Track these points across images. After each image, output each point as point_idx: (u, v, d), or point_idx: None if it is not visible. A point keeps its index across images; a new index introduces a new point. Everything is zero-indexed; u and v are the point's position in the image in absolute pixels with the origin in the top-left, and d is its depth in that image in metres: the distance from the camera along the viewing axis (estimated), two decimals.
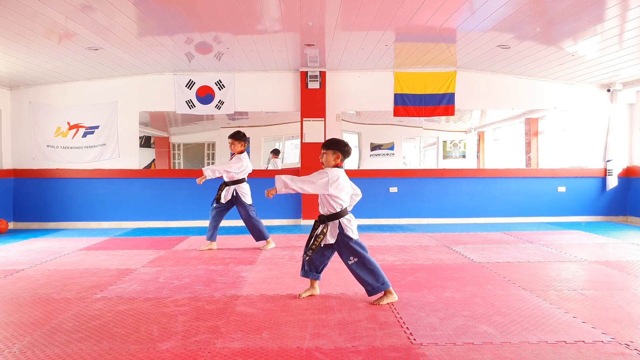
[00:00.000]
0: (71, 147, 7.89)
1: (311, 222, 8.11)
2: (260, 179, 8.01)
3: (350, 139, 8.58)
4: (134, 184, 7.92)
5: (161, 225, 7.94)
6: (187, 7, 4.80)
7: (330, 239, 3.46)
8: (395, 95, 8.02)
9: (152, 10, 4.86)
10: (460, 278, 4.18)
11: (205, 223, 7.96)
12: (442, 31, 5.69)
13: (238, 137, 5.51)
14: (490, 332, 2.86)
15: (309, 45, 6.36)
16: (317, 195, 3.46)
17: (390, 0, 4.67)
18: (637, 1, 4.43)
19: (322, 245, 3.53)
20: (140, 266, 4.79)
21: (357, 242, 3.47)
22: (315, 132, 7.86)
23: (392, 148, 8.46)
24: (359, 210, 7.85)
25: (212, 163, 8.46)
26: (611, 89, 8.05)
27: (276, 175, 3.50)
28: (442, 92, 7.99)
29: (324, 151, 3.50)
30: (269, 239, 5.76)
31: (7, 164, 7.82)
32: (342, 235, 3.44)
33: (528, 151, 8.65)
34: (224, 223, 8.00)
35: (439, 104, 8.01)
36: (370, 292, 3.43)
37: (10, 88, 7.86)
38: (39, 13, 4.62)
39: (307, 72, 7.84)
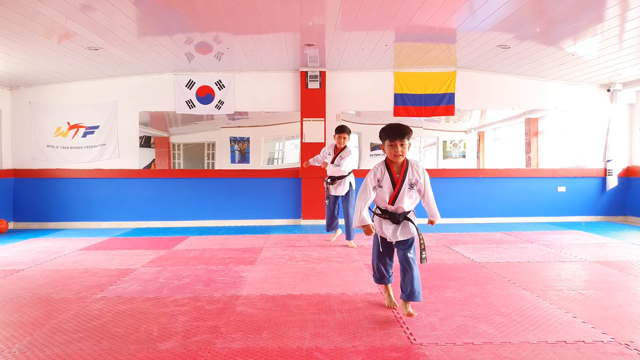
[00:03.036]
0: (71, 147, 7.89)
1: (311, 222, 8.15)
2: (260, 179, 8.04)
3: (350, 139, 8.57)
4: (134, 184, 7.92)
5: (161, 225, 7.94)
6: (187, 7, 4.80)
7: None
8: (395, 95, 8.02)
9: (152, 10, 4.86)
10: (460, 278, 4.18)
11: (205, 223, 8.01)
12: (442, 31, 5.69)
13: (349, 131, 5.82)
14: (490, 332, 2.86)
15: (309, 45, 6.36)
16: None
17: (390, 0, 4.67)
18: (637, 1, 4.42)
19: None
20: (140, 266, 4.79)
21: None
22: (315, 132, 7.87)
23: None
24: None
25: (212, 163, 8.45)
26: (611, 89, 8.05)
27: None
28: (442, 92, 7.99)
29: (403, 141, 3.07)
30: (352, 240, 5.86)
31: (7, 164, 7.82)
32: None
33: (528, 151, 8.65)
34: (224, 223, 8.05)
35: (439, 104, 8.01)
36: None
37: (10, 88, 7.86)
38: (39, 13, 4.62)
39: (307, 72, 7.84)
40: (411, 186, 3.09)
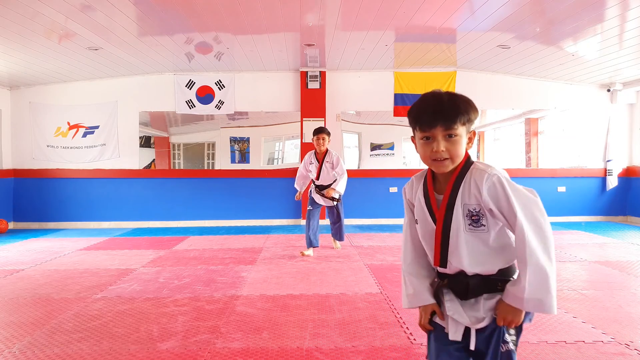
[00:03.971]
0: (71, 147, 7.89)
1: None
2: (260, 179, 8.04)
3: (350, 139, 8.58)
4: (134, 184, 7.92)
5: (161, 225, 7.94)
6: (187, 7, 4.80)
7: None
8: (395, 95, 8.02)
9: (152, 10, 4.86)
10: None
11: (205, 223, 8.01)
12: (442, 31, 5.69)
13: (328, 132, 5.23)
14: None
15: (309, 45, 6.36)
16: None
17: (390, 0, 4.67)
18: (637, 1, 4.43)
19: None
20: (140, 266, 4.79)
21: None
22: None
23: (392, 148, 8.46)
24: (359, 210, 7.91)
25: (212, 163, 8.45)
26: (611, 89, 8.05)
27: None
28: None
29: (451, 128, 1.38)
30: (339, 242, 5.60)
31: (7, 164, 7.82)
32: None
33: (528, 151, 8.65)
34: (224, 223, 8.05)
35: None
36: None
37: (10, 88, 7.85)
38: (39, 13, 4.62)
39: (307, 72, 7.84)
40: (473, 220, 1.41)
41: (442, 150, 1.39)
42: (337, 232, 5.53)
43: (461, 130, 1.40)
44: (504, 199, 1.36)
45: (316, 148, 5.23)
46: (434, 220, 1.47)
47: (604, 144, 8.26)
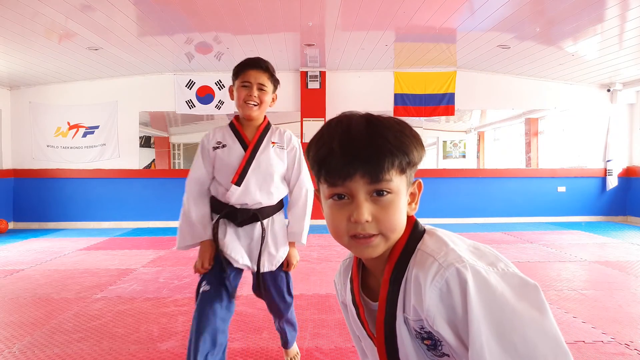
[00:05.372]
0: (71, 147, 7.89)
1: (311, 222, 8.09)
2: None
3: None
4: (134, 184, 7.92)
5: (161, 225, 7.94)
6: (187, 7, 4.80)
7: None
8: (395, 95, 8.02)
9: (152, 10, 4.86)
10: None
11: None
12: (442, 31, 5.69)
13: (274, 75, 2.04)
14: None
15: (309, 45, 6.36)
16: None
17: (390, 0, 4.68)
18: (637, 1, 4.43)
19: None
20: (140, 266, 4.79)
21: None
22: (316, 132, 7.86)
23: None
24: None
25: None
26: (611, 89, 8.05)
27: None
28: (442, 92, 7.99)
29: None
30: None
31: (7, 164, 7.82)
32: None
33: (528, 151, 8.65)
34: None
35: (439, 104, 8.01)
36: None
37: (10, 88, 7.85)
38: (39, 13, 4.62)
39: (307, 72, 7.84)
40: (428, 345, 0.84)
41: (367, 221, 0.81)
42: (285, 331, 2.39)
43: (398, 183, 0.83)
44: (460, 312, 0.73)
45: (240, 110, 2.03)
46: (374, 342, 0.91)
47: (604, 144, 8.26)
